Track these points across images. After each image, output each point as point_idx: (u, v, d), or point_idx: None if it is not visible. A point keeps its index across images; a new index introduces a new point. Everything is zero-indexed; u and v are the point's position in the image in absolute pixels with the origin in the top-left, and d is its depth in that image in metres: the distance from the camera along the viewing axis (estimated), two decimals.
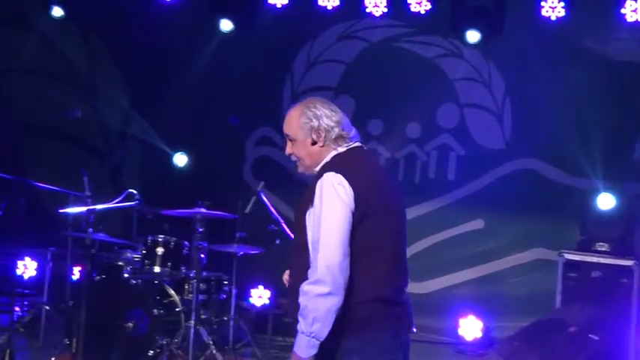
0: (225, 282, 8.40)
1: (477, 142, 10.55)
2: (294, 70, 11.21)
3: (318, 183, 3.83)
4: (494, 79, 10.46)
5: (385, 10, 10.23)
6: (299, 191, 10.07)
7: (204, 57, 11.07)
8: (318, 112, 4.00)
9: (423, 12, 10.14)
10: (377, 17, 10.34)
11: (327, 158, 4.01)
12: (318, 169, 4.00)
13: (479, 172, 10.51)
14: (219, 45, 10.98)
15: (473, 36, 9.93)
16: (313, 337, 3.69)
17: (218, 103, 11.11)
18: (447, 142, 10.66)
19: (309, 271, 3.73)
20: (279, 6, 10.49)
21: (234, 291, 8.39)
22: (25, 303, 9.42)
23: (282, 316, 9.14)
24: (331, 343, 3.75)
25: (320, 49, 11.11)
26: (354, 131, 4.08)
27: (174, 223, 8.71)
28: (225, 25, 10.56)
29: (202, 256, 7.69)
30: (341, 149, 4.02)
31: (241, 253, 8.30)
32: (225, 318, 8.35)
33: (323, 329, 3.68)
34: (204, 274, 7.91)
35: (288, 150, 4.12)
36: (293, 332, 9.47)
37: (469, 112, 10.60)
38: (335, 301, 3.68)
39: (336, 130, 4.00)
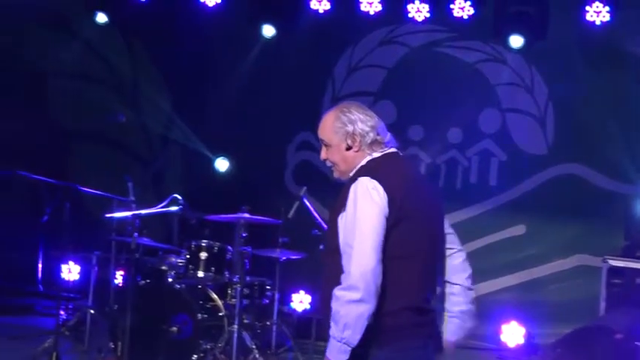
0: (268, 287, 8.42)
1: (519, 148, 10.49)
2: (335, 75, 11.21)
3: (352, 187, 3.80)
4: (537, 83, 10.39)
5: (427, 15, 10.21)
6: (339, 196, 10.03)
7: (247, 62, 11.11)
8: (353, 117, 3.96)
9: (465, 17, 10.10)
10: (419, 22, 10.32)
11: (362, 163, 3.97)
12: (352, 173, 3.96)
13: (521, 178, 10.45)
14: (262, 50, 11.02)
15: (516, 41, 9.87)
16: (344, 343, 3.65)
17: (259, 108, 11.14)
18: (488, 147, 10.62)
19: (342, 275, 3.71)
20: (321, 11, 10.51)
21: (276, 296, 8.42)
22: (70, 307, 9.50)
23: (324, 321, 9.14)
24: (361, 351, 3.71)
25: (361, 55, 11.11)
26: (389, 136, 4.03)
27: (215, 228, 8.76)
28: (268, 30, 10.60)
29: (245, 260, 7.74)
30: (376, 154, 3.98)
31: (284, 258, 8.33)
32: (268, 323, 8.38)
33: (354, 336, 3.64)
34: (248, 278, 7.94)
35: (323, 155, 4.08)
36: None
37: (511, 117, 10.55)
38: (367, 308, 3.64)
39: (371, 135, 3.95)
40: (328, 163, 4.09)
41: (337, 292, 3.67)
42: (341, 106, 4.05)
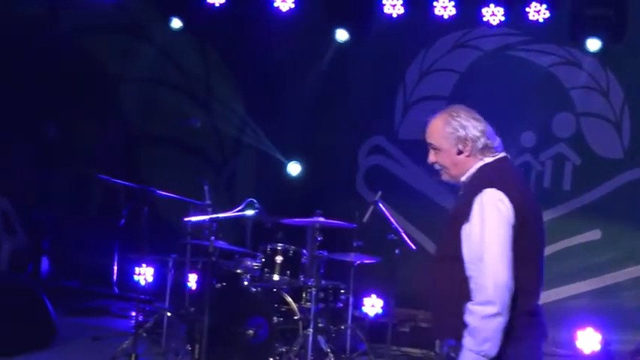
0: (342, 290, 8.44)
1: (594, 152, 10.34)
2: (406, 80, 11.17)
3: (478, 199, 3.80)
4: (613, 87, 10.23)
5: (502, 18, 10.13)
6: (411, 200, 10.05)
7: (319, 67, 11.13)
8: (464, 122, 3.98)
9: (541, 20, 10.00)
10: (493, 26, 10.24)
11: (473, 169, 3.99)
12: (464, 178, 4.01)
13: (596, 182, 10.30)
14: (334, 55, 11.03)
15: (593, 44, 9.75)
16: (483, 356, 3.72)
17: (331, 112, 11.16)
18: (562, 151, 10.49)
19: (475, 290, 3.75)
20: (394, 16, 10.50)
21: (350, 300, 8.43)
22: (146, 309, 9.62)
23: (397, 326, 9.13)
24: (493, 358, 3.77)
25: (433, 58, 11.05)
26: (498, 141, 4.04)
27: (287, 231, 8.81)
28: (341, 35, 10.62)
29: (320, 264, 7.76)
30: (488, 159, 3.99)
31: (358, 262, 8.33)
32: (342, 327, 8.39)
33: (493, 348, 3.71)
34: (322, 282, 7.96)
35: (432, 158, 4.09)
36: (407, 342, 9.43)
37: (586, 121, 10.40)
38: (503, 321, 3.70)
39: (482, 140, 3.97)
40: (437, 167, 4.11)
41: (473, 307, 3.73)
42: (450, 110, 4.06)
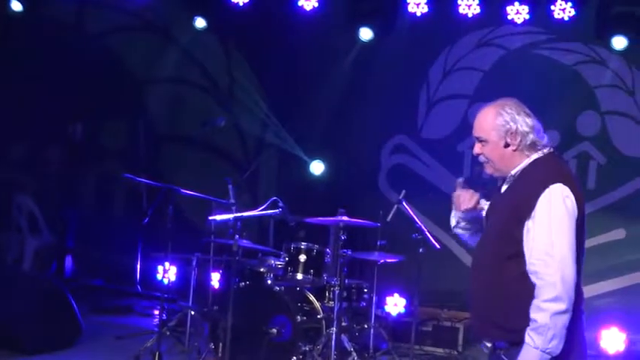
0: (365, 289, 8.43)
1: (619, 151, 10.28)
2: (430, 78, 11.14)
3: (545, 195, 3.78)
4: (639, 85, 10.17)
5: (527, 17, 10.06)
6: (433, 199, 10.04)
7: (343, 66, 11.12)
8: (516, 116, 3.95)
9: (566, 18, 9.92)
10: (518, 24, 10.19)
11: (524, 163, 3.96)
12: (514, 172, 3.98)
13: (621, 181, 10.24)
14: (358, 54, 11.01)
15: (619, 42, 9.67)
16: (548, 353, 3.71)
17: (355, 111, 11.15)
18: (586, 150, 10.43)
19: (541, 286, 3.73)
20: (418, 14, 10.46)
21: (374, 298, 8.43)
22: (170, 308, 9.65)
23: (420, 325, 9.12)
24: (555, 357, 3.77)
25: (457, 57, 11.01)
26: (546, 138, 4.02)
27: (310, 230, 8.82)
28: (365, 34, 10.60)
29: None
30: (536, 155, 3.97)
31: (382, 261, 8.33)
32: (365, 326, 8.39)
33: (559, 345, 3.71)
34: (346, 281, 7.96)
35: (477, 150, 4.08)
36: (430, 341, 9.39)
37: (611, 120, 10.35)
38: (569, 317, 3.72)
39: (531, 136, 3.95)
40: (482, 159, 4.09)
41: (543, 304, 3.71)
42: (501, 103, 4.03)
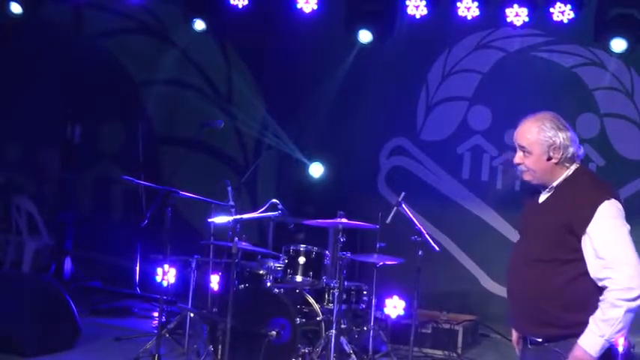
0: (365, 292, 8.43)
1: (618, 153, 10.30)
2: (429, 80, 11.15)
3: (602, 210, 4.05)
4: (638, 88, 10.18)
5: (526, 19, 10.04)
6: (433, 202, 9.98)
7: (342, 68, 11.12)
8: (557, 131, 4.18)
9: (565, 21, 9.91)
10: (517, 27, 10.19)
11: (566, 175, 4.20)
12: (555, 183, 4.21)
13: (620, 183, 10.21)
14: (357, 56, 10.99)
15: (618, 45, 9.64)
16: (607, 341, 4.00)
17: (353, 113, 11.16)
18: (585, 152, 10.39)
19: (617, 289, 3.99)
20: (418, 17, 10.45)
21: (373, 301, 8.42)
22: (169, 310, 9.63)
23: (419, 327, 9.10)
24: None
25: (456, 59, 11.03)
26: (582, 149, 4.27)
27: (309, 232, 8.81)
28: (364, 36, 10.59)
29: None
30: (575, 165, 4.24)
31: (381, 263, 8.32)
32: (365, 328, 8.38)
33: (621, 336, 4.07)
34: (345, 283, 7.96)
35: (519, 160, 4.26)
36: (429, 344, 9.36)
37: (610, 122, 10.37)
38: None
39: (571, 149, 4.20)
40: (522, 168, 4.28)
41: (619, 302, 3.97)
42: (542, 116, 4.28)
